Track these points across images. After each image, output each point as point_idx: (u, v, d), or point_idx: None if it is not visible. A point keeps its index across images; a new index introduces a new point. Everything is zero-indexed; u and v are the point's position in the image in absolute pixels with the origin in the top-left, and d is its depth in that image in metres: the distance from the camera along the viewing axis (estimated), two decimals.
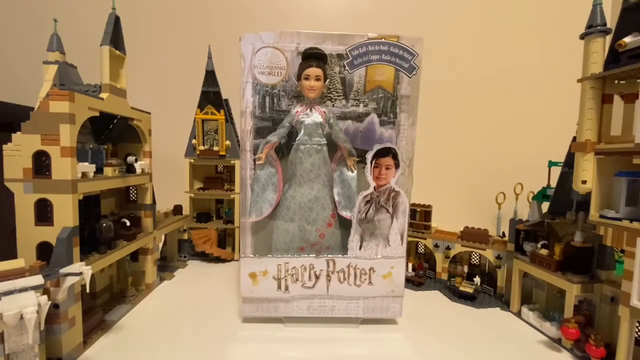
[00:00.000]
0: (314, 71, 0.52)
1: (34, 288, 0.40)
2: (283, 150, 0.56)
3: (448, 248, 0.76)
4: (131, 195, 0.70)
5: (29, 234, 0.47)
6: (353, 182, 0.56)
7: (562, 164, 0.60)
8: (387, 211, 0.56)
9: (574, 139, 0.53)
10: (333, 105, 0.55)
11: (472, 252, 0.75)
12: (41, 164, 0.47)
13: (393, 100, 0.54)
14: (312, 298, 0.57)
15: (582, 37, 0.50)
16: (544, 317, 0.59)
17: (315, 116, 0.54)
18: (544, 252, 0.59)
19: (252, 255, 0.56)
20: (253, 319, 0.58)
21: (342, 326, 0.57)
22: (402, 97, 0.54)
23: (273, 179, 0.56)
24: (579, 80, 0.50)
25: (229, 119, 0.91)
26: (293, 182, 0.56)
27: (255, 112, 0.54)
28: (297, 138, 0.55)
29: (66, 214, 0.47)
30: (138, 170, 0.65)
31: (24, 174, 0.46)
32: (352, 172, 0.56)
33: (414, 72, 0.53)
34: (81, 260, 0.49)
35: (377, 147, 0.54)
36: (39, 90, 0.57)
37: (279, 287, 0.56)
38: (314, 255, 0.56)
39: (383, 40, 0.52)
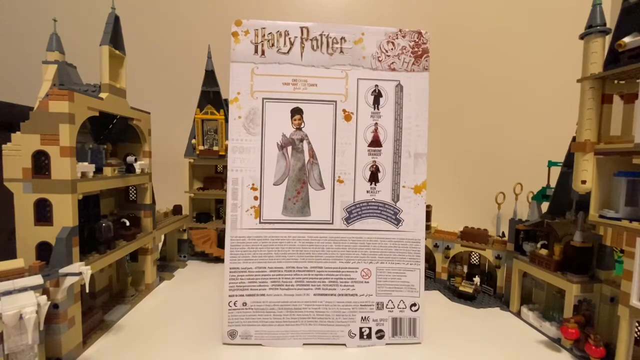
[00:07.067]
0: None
1: (34, 288, 0.40)
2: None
3: (448, 248, 0.75)
4: (131, 195, 0.70)
5: (28, 233, 0.47)
6: None
7: (561, 164, 0.60)
8: None
9: (574, 139, 0.53)
10: None
11: (471, 252, 0.75)
12: (40, 163, 0.47)
13: None
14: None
15: (581, 37, 0.50)
16: (544, 317, 0.59)
17: None
18: (544, 252, 0.59)
19: None
20: None
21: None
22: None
23: None
24: (578, 80, 0.50)
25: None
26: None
27: None
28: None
29: (66, 213, 0.47)
30: (138, 170, 0.65)
31: (23, 174, 0.46)
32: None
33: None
34: (81, 260, 0.49)
35: None
36: (38, 90, 0.57)
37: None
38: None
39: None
